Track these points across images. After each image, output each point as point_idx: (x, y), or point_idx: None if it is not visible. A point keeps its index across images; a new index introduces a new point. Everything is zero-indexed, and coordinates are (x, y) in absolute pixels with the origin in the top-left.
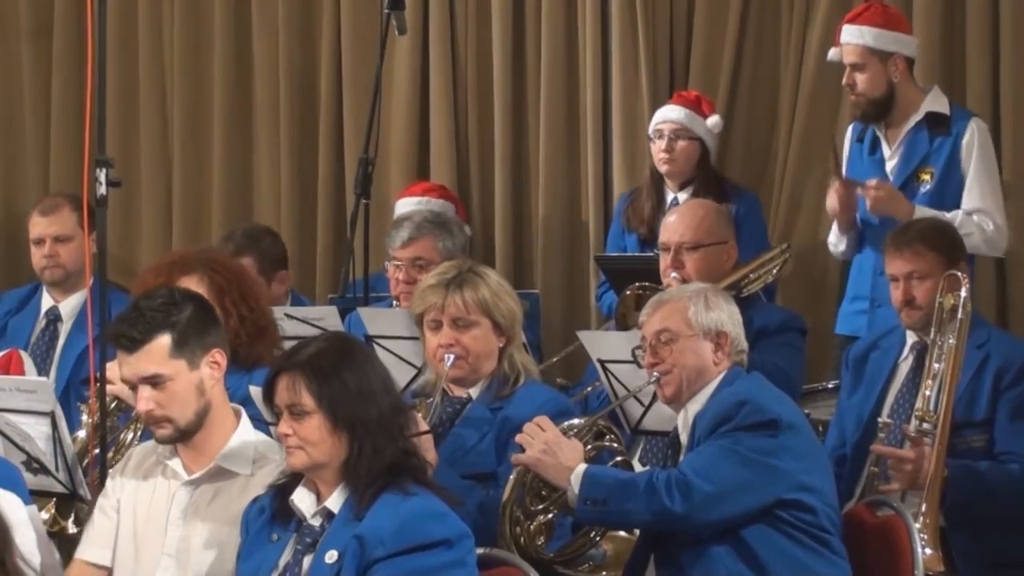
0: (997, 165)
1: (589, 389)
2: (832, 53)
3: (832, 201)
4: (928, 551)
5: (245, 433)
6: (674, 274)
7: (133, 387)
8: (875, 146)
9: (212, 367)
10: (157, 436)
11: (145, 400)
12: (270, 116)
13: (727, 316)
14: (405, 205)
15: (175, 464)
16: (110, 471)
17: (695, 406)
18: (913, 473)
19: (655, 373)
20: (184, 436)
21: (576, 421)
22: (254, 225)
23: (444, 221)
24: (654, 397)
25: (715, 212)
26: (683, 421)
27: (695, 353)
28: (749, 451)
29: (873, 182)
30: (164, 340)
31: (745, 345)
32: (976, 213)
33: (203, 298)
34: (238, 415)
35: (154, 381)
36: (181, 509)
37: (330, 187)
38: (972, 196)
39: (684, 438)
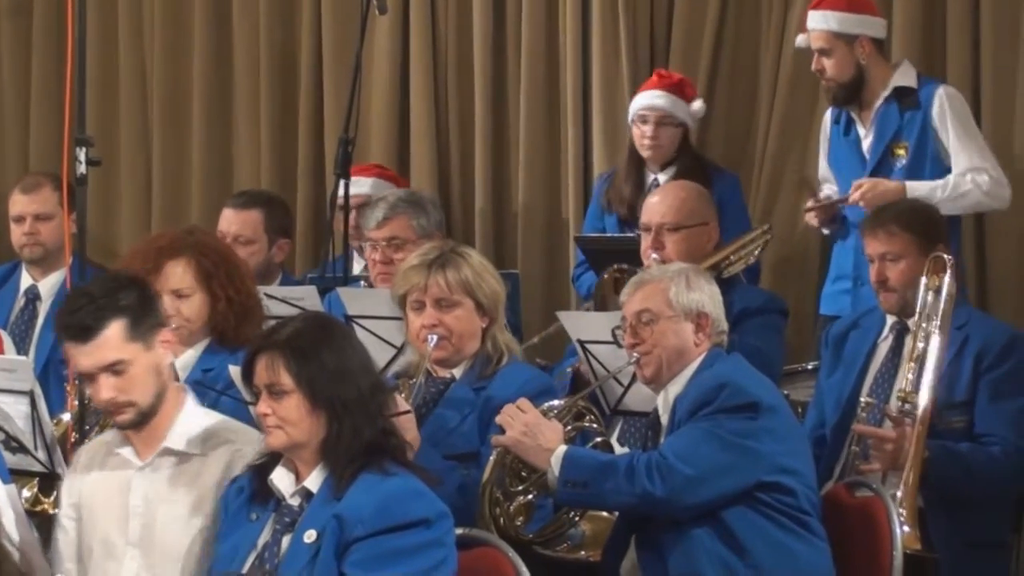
0: (975, 123)
1: (569, 370)
2: (800, 40)
3: (812, 219)
4: (906, 529)
5: (191, 413)
6: (655, 255)
7: (91, 377)
8: (850, 127)
9: (164, 347)
10: (119, 422)
11: (107, 388)
12: (250, 96)
13: (708, 297)
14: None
15: (126, 452)
16: (64, 479)
17: (675, 387)
18: (894, 453)
19: (635, 354)
20: (145, 419)
21: (556, 402)
22: (267, 191)
23: (418, 199)
24: (634, 377)
25: (696, 193)
26: (663, 402)
27: (675, 334)
28: (729, 434)
29: (853, 193)
30: (119, 325)
31: (725, 326)
32: (968, 172)
33: (141, 278)
34: (183, 394)
35: (115, 368)
36: (140, 498)
37: (310, 167)
38: (960, 158)
39: (664, 419)
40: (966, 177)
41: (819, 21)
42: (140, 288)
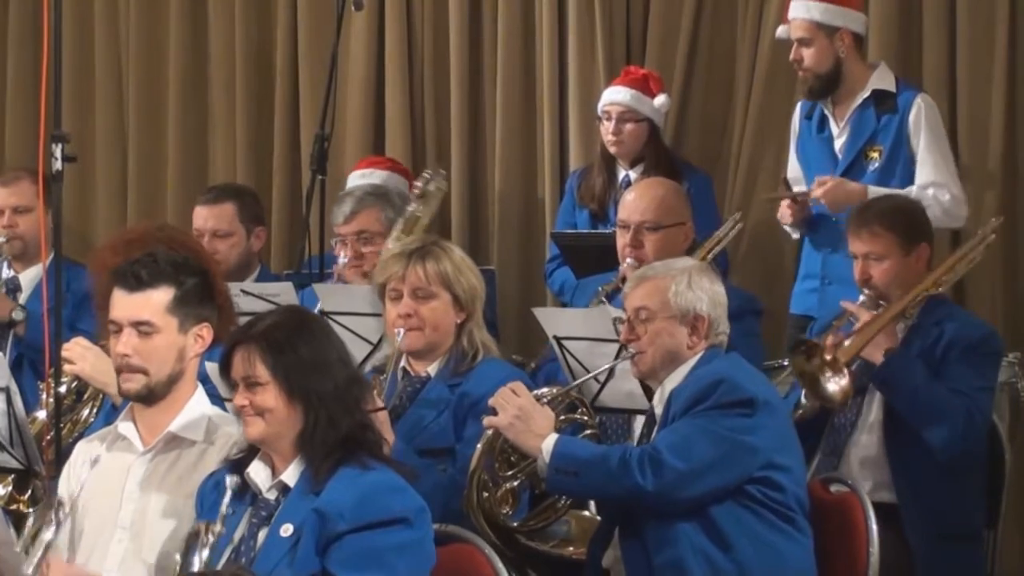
0: (947, 137)
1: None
2: (780, 30)
3: (785, 216)
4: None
5: (200, 403)
6: (632, 254)
7: (118, 329)
8: (823, 124)
9: (197, 339)
10: (124, 388)
11: (126, 344)
12: (226, 91)
13: (708, 298)
14: (352, 180)
15: (131, 435)
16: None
17: (672, 382)
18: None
19: (630, 349)
20: (150, 396)
21: (546, 390)
22: (234, 183)
23: (384, 192)
24: (610, 375)
25: (675, 192)
26: (659, 395)
27: (670, 335)
28: (725, 430)
29: (816, 188)
30: (167, 292)
31: (726, 327)
32: (931, 187)
33: (212, 275)
34: (196, 389)
35: (142, 328)
36: (137, 482)
37: (285, 163)
38: (925, 170)
39: (659, 412)
40: (928, 192)
41: (801, 10)
42: (205, 278)
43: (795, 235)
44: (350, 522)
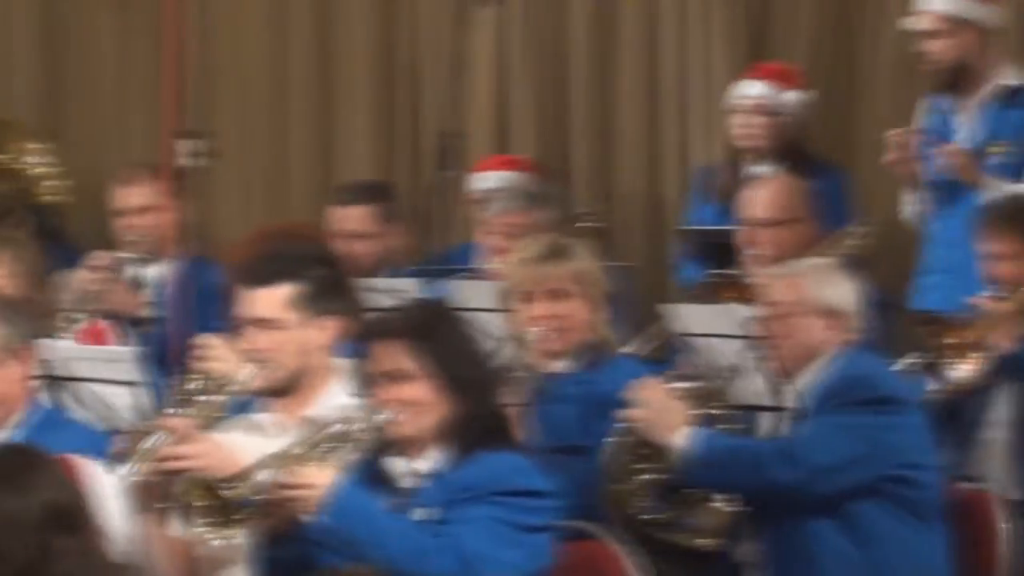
0: None
1: None
2: (908, 22)
3: (891, 156)
4: None
5: (337, 394)
6: (752, 251)
7: (243, 326)
8: (947, 119)
9: (325, 331)
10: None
11: (249, 341)
12: (352, 88)
13: (843, 294)
14: (478, 181)
15: (265, 422)
16: None
17: (806, 379)
18: None
19: (767, 346)
20: (276, 390)
21: (682, 384)
22: (370, 180)
23: (545, 195)
24: (737, 372)
25: (794, 189)
26: (794, 391)
27: (807, 329)
28: (861, 426)
29: (953, 147)
30: (285, 289)
31: (860, 324)
32: None
33: (340, 269)
34: (333, 375)
35: (263, 325)
36: None
37: (409, 161)
38: None
39: (793, 408)
40: None
41: (935, 1)
42: (332, 271)
43: (910, 204)
44: (476, 491)
